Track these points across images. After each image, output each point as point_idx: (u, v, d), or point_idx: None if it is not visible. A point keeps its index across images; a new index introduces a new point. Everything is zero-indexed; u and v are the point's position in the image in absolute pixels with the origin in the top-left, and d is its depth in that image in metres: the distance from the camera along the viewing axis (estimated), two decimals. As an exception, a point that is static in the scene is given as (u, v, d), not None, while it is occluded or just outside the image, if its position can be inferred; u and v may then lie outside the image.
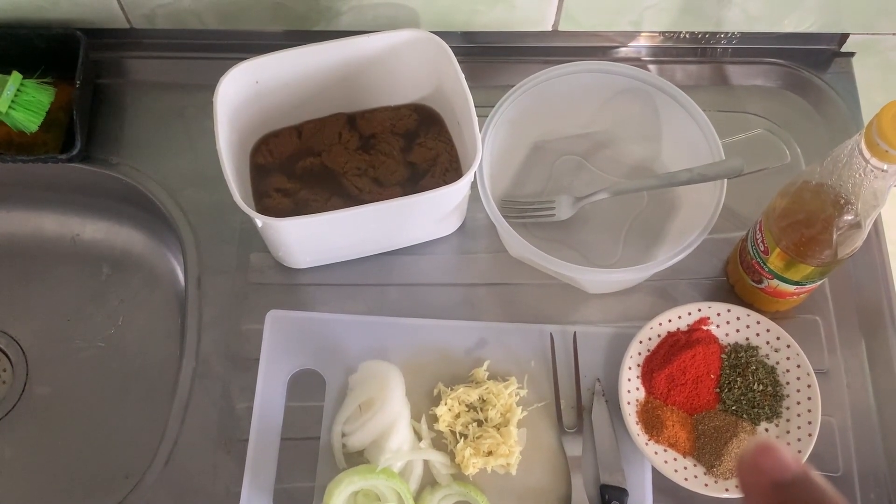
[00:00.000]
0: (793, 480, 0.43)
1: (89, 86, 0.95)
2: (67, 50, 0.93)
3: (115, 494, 0.83)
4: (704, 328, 0.84)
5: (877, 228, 0.91)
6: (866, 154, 0.64)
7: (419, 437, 0.81)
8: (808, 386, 0.81)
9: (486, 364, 0.84)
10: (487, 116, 0.86)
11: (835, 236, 0.72)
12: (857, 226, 0.71)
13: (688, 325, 0.84)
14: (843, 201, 0.69)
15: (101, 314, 0.97)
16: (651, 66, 1.00)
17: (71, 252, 1.00)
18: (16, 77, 0.90)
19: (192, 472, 0.81)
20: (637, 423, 0.81)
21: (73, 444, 0.92)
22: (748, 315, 0.84)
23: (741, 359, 0.83)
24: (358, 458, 0.81)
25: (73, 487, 0.90)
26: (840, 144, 0.68)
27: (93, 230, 1.00)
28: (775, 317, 0.85)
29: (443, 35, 0.84)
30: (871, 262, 0.90)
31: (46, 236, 1.00)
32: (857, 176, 0.66)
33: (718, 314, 0.85)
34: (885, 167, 0.64)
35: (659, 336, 0.84)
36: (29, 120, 0.91)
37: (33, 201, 1.00)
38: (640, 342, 0.83)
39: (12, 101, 0.89)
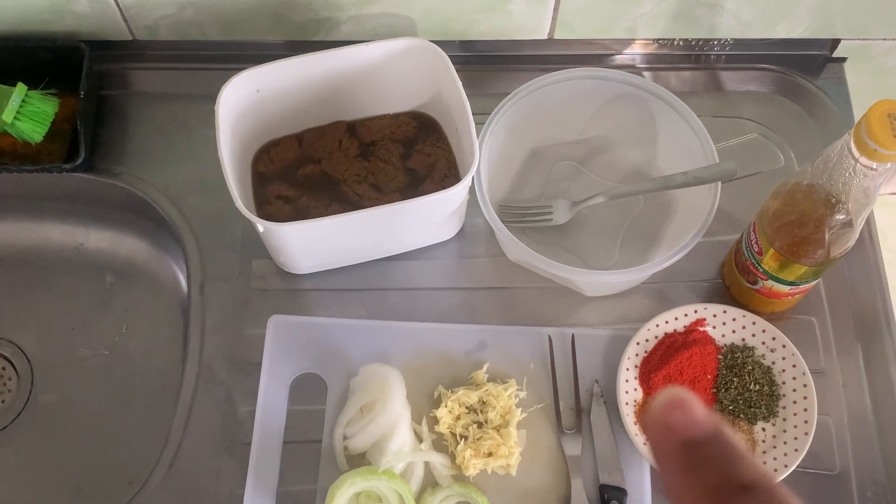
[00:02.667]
0: (704, 439, 0.40)
1: (93, 97, 0.97)
2: (71, 61, 0.94)
3: (119, 500, 0.84)
4: (701, 329, 0.85)
5: (870, 229, 0.92)
6: (855, 153, 0.65)
7: (420, 439, 0.82)
8: (804, 385, 0.82)
9: (485, 366, 0.85)
10: (485, 123, 0.87)
11: (827, 235, 0.73)
12: (848, 225, 0.72)
13: (684, 327, 0.85)
14: (834, 200, 0.70)
15: (105, 322, 0.99)
16: (646, 73, 1.01)
17: (75, 261, 1.01)
18: (21, 88, 0.92)
19: (196, 476, 0.82)
20: (635, 424, 0.82)
21: (78, 450, 0.93)
22: (744, 316, 0.85)
23: (737, 359, 0.84)
24: (360, 461, 0.82)
25: (78, 494, 0.91)
26: (830, 144, 0.69)
27: (97, 239, 1.01)
28: (771, 318, 0.86)
29: (441, 44, 0.85)
30: (864, 263, 0.91)
31: (51, 246, 1.01)
32: (847, 175, 0.67)
33: (714, 315, 0.86)
34: (875, 165, 0.65)
35: (656, 337, 0.85)
36: (34, 130, 0.92)
37: (38, 211, 1.01)
38: (638, 343, 0.84)
39: (17, 112, 0.91)
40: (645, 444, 0.80)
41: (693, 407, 0.40)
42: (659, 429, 0.41)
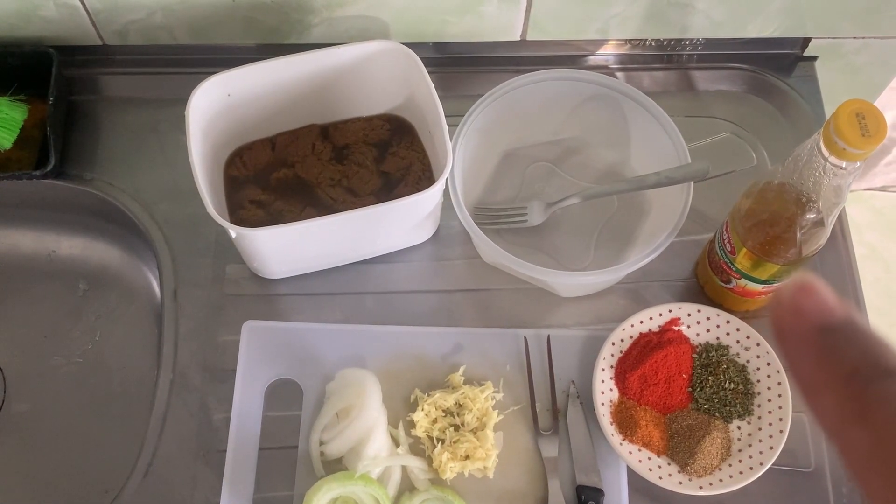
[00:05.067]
0: (839, 324, 0.37)
1: (63, 102, 0.96)
2: (40, 67, 0.93)
3: (94, 509, 0.83)
4: (675, 329, 0.86)
5: (842, 227, 0.93)
6: (825, 152, 0.65)
7: (397, 443, 0.82)
8: (779, 383, 0.82)
9: (462, 369, 0.85)
10: (458, 125, 0.87)
11: (798, 234, 0.73)
12: (819, 223, 0.72)
13: (659, 326, 0.86)
14: (804, 200, 0.70)
15: (78, 330, 0.98)
16: (619, 74, 1.02)
17: (47, 269, 1.00)
18: (-12, 95, 0.91)
19: (171, 484, 0.82)
20: (611, 424, 0.82)
21: (53, 460, 0.92)
22: (718, 315, 0.85)
23: (712, 358, 0.85)
24: (336, 466, 0.81)
25: (53, 502, 0.90)
26: (801, 144, 0.69)
27: (69, 246, 1.00)
28: (745, 316, 0.86)
29: (414, 46, 0.85)
30: (837, 261, 0.92)
31: (22, 253, 1.00)
32: (817, 174, 0.67)
33: (689, 315, 0.86)
34: (844, 164, 0.65)
35: (631, 337, 0.85)
36: (2, 137, 0.91)
37: (8, 219, 1.00)
38: (613, 344, 0.85)
39: (-15, 119, 0.90)
40: (621, 444, 0.80)
41: (826, 293, 0.38)
42: (790, 314, 0.39)
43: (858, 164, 0.65)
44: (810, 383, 0.37)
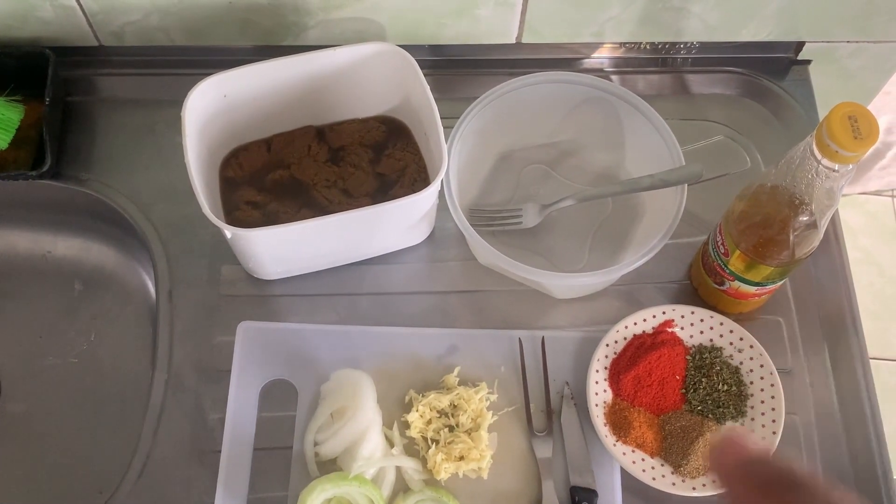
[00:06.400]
0: (758, 457, 0.50)
1: (59, 103, 0.96)
2: (37, 68, 0.93)
3: (89, 509, 0.83)
4: (669, 330, 0.86)
5: (835, 230, 0.93)
6: (817, 155, 0.66)
7: (391, 444, 0.82)
8: (772, 385, 0.83)
9: (456, 370, 0.85)
10: (454, 127, 0.87)
11: (792, 237, 0.74)
12: (813, 226, 0.73)
13: (653, 328, 0.86)
14: (798, 202, 0.71)
15: (73, 330, 0.98)
16: (613, 77, 1.02)
17: (43, 269, 1.00)
18: (-16, 95, 0.91)
19: (166, 485, 0.82)
20: (605, 425, 0.82)
21: (47, 460, 0.92)
22: (711, 317, 0.86)
23: (706, 359, 0.85)
24: (331, 467, 0.81)
25: (48, 503, 0.90)
26: (794, 147, 0.70)
27: (64, 247, 1.00)
28: (738, 318, 0.86)
29: (410, 48, 0.85)
30: (831, 264, 0.92)
31: (18, 253, 1.00)
32: (810, 176, 0.68)
33: (683, 316, 0.86)
34: (836, 167, 0.66)
35: (625, 339, 0.86)
36: (-1, 137, 0.91)
37: (4, 219, 0.99)
38: (607, 345, 0.85)
39: (-19, 120, 0.90)
40: (615, 445, 0.81)
41: (748, 440, 0.53)
42: (719, 454, 0.53)
43: (851, 166, 0.66)
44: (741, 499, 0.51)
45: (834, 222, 0.93)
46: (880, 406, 0.86)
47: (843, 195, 0.78)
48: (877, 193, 1.96)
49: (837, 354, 0.88)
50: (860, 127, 0.63)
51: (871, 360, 0.88)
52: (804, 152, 0.68)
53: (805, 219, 0.72)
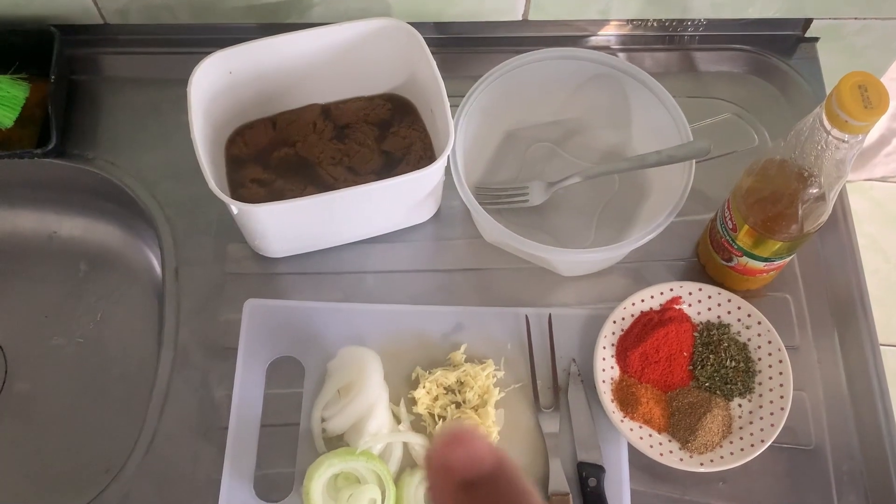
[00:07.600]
0: (482, 478, 0.39)
1: (64, 81, 0.96)
2: (42, 46, 0.93)
3: (96, 487, 0.83)
4: (676, 307, 0.86)
5: (843, 209, 0.93)
6: (827, 125, 0.65)
7: (398, 421, 0.82)
8: (780, 361, 0.82)
9: (463, 347, 0.85)
10: (460, 105, 0.87)
11: (800, 210, 0.73)
12: (821, 199, 0.72)
13: (660, 305, 0.86)
14: (806, 174, 0.70)
15: (79, 310, 0.98)
16: (620, 54, 1.01)
17: (48, 249, 1.00)
18: (-11, 73, 0.91)
19: (173, 462, 0.82)
20: (612, 401, 0.82)
21: (54, 439, 0.92)
22: (719, 293, 0.85)
23: (713, 336, 0.85)
24: (338, 443, 0.81)
25: (53, 482, 0.90)
26: (802, 119, 0.69)
27: (70, 227, 1.00)
28: (746, 295, 0.86)
29: (415, 25, 0.85)
30: (839, 242, 0.92)
31: (23, 234, 1.00)
32: (819, 148, 0.67)
33: (690, 293, 0.86)
34: (846, 137, 0.65)
35: (632, 316, 0.85)
36: (4, 115, 0.91)
37: (9, 199, 0.99)
38: (614, 322, 0.85)
39: (-14, 98, 0.90)
40: (622, 421, 0.81)
41: (476, 441, 0.39)
42: (437, 469, 0.40)
43: (860, 136, 0.65)
44: None
45: (842, 200, 0.93)
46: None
47: (848, 181, 0.78)
48: (882, 180, 1.95)
49: (845, 331, 0.88)
50: (870, 96, 0.63)
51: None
52: (813, 124, 0.67)
53: (814, 191, 0.71)
